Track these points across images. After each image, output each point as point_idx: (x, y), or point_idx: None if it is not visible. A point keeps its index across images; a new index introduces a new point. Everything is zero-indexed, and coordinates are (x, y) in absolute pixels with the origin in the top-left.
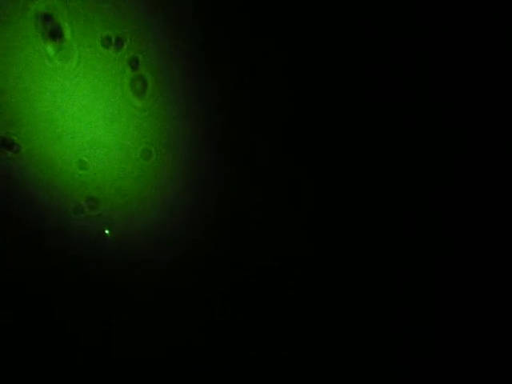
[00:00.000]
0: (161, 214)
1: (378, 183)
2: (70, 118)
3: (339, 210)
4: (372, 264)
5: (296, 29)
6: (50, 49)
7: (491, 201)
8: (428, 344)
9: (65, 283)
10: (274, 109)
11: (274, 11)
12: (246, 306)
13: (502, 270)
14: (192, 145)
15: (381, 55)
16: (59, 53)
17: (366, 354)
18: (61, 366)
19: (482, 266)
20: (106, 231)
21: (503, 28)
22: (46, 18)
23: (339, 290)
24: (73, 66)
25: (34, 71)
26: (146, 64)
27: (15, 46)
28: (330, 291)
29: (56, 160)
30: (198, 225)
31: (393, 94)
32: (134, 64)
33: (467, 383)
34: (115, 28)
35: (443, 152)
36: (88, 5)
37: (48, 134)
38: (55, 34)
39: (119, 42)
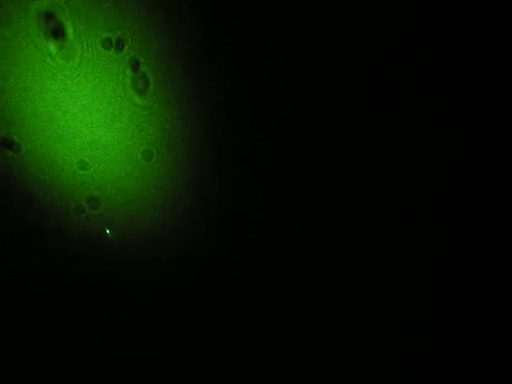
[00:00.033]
0: (162, 213)
1: (378, 183)
2: (72, 117)
3: (339, 210)
4: (372, 264)
5: (296, 29)
6: (52, 47)
7: (491, 201)
8: (428, 344)
9: (65, 283)
10: (274, 109)
11: (274, 11)
12: (246, 306)
13: (501, 269)
14: (192, 145)
15: (381, 55)
16: (61, 51)
17: (366, 354)
18: (61, 365)
19: (482, 266)
20: (107, 231)
21: (503, 28)
22: (48, 16)
23: (339, 290)
24: (74, 66)
25: (35, 70)
26: (147, 64)
27: (16, 46)
28: (330, 291)
29: (57, 160)
30: (198, 225)
31: (393, 93)
32: (134, 65)
33: (467, 383)
34: (116, 28)
35: (443, 152)
36: (89, 4)
37: (49, 134)
38: (57, 33)
39: (120, 43)
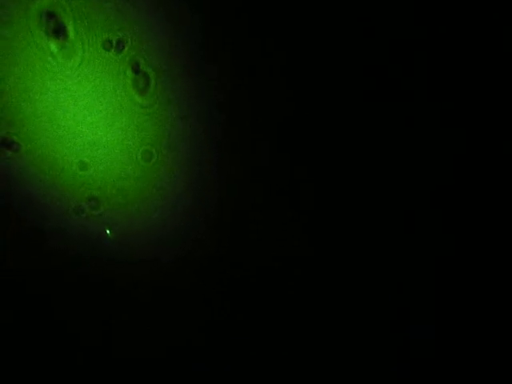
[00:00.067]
0: (162, 213)
1: (378, 183)
2: (72, 118)
3: (339, 210)
4: (372, 264)
5: (296, 29)
6: (53, 46)
7: (491, 201)
8: (428, 344)
9: (65, 283)
10: (274, 109)
11: (274, 11)
12: (246, 306)
13: (501, 269)
14: (193, 145)
15: (381, 55)
16: (62, 51)
17: (366, 354)
18: (61, 365)
19: (482, 265)
20: (107, 231)
21: (503, 28)
22: (50, 15)
23: (339, 290)
24: (75, 65)
25: (35, 70)
26: (148, 64)
27: (17, 46)
28: (330, 291)
29: (57, 160)
30: (198, 225)
31: (393, 94)
32: (135, 66)
33: (467, 383)
34: (116, 29)
35: (443, 152)
36: (90, 4)
37: (49, 134)
38: (58, 32)
39: (120, 44)
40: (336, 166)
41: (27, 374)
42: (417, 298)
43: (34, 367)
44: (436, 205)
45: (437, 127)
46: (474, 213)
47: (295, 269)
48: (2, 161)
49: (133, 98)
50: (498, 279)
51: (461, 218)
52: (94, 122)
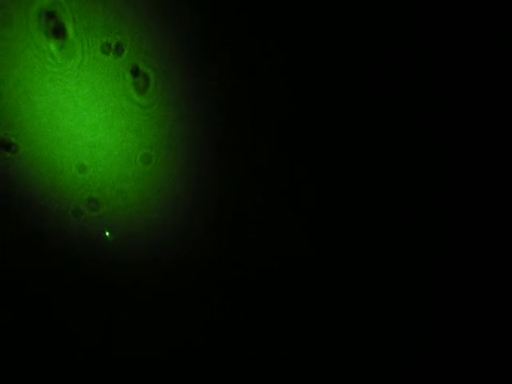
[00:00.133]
0: (161, 215)
1: (378, 183)
2: (71, 119)
3: (339, 210)
4: (372, 264)
5: (296, 29)
6: (52, 46)
7: (491, 201)
8: (428, 344)
9: (65, 283)
10: (274, 109)
11: (274, 11)
12: (246, 306)
13: (501, 269)
14: (192, 145)
15: (381, 55)
16: (62, 51)
17: (366, 354)
18: (61, 365)
19: (482, 265)
20: (107, 233)
21: (503, 28)
22: (49, 15)
23: (339, 290)
24: (75, 65)
25: (35, 72)
26: (147, 66)
27: (16, 47)
28: (330, 291)
29: (56, 162)
30: (198, 225)
31: (393, 94)
32: (134, 69)
33: (467, 383)
34: (116, 32)
35: (443, 152)
36: (89, 6)
37: (48, 136)
38: (58, 32)
39: (119, 47)
40: (336, 165)
41: (27, 373)
42: (417, 298)
43: (34, 367)
44: (436, 205)
45: (437, 127)
46: (473, 213)
47: (295, 269)
48: (0, 162)
49: (132, 99)
50: (498, 279)
51: (461, 218)
52: (94, 123)
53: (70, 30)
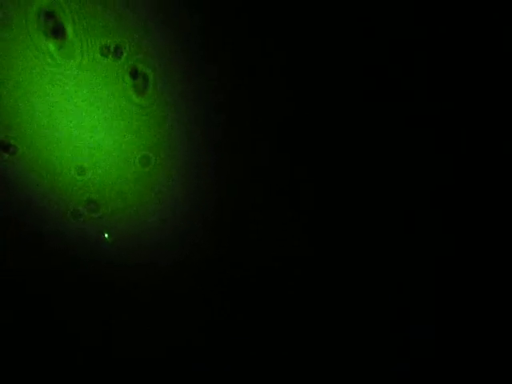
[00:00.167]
0: (161, 216)
1: (378, 183)
2: (71, 121)
3: (339, 210)
4: (372, 264)
5: (296, 29)
6: (52, 47)
7: (491, 201)
8: (428, 344)
9: (65, 284)
10: (274, 109)
11: (274, 11)
12: (246, 306)
13: (501, 269)
14: (191, 146)
15: (381, 55)
16: (61, 51)
17: (366, 354)
18: (61, 365)
19: (482, 266)
20: (106, 235)
21: (503, 28)
22: (48, 15)
23: (339, 290)
24: (74, 66)
25: (34, 73)
26: (146, 66)
27: (16, 48)
28: (330, 291)
29: (55, 164)
30: (198, 226)
31: (393, 93)
32: (133, 71)
33: (467, 383)
34: (115, 34)
35: (443, 152)
36: (89, 8)
37: (47, 138)
38: (57, 32)
39: (118, 50)
40: (336, 165)
41: (27, 373)
42: (417, 298)
43: (34, 367)
44: (436, 205)
45: (437, 127)
46: (473, 213)
47: (295, 269)
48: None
49: (131, 100)
50: (498, 279)
51: (461, 218)
52: (93, 125)
53: (69, 30)
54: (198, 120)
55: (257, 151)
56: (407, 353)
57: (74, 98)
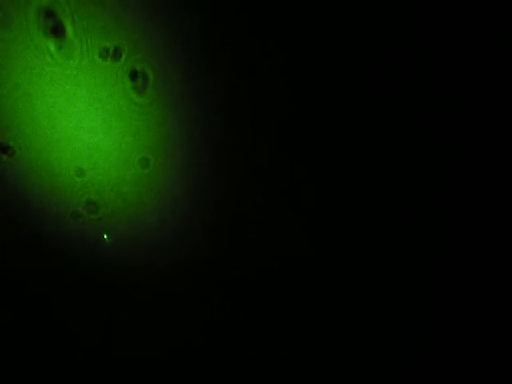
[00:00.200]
0: (160, 216)
1: (378, 183)
2: (70, 122)
3: (339, 210)
4: (372, 264)
5: (296, 29)
6: (51, 46)
7: (491, 201)
8: (428, 344)
9: (65, 284)
10: (274, 109)
11: (274, 11)
12: (246, 306)
13: (502, 269)
14: (191, 147)
15: (381, 55)
16: (61, 50)
17: (366, 354)
18: (61, 365)
19: (482, 266)
20: (105, 236)
21: (503, 28)
22: (48, 14)
23: (339, 290)
24: (74, 66)
25: (34, 73)
26: (145, 67)
27: (15, 49)
28: (330, 291)
29: (54, 165)
30: (198, 227)
31: (393, 93)
32: (133, 73)
33: (467, 383)
34: (114, 33)
35: (443, 152)
36: (88, 11)
37: (47, 139)
38: (57, 31)
39: (117, 52)
40: (336, 166)
41: (27, 373)
42: (417, 298)
43: (34, 367)
44: (436, 205)
45: (437, 127)
46: (474, 213)
47: (295, 269)
48: None
49: (130, 101)
50: (498, 279)
51: (461, 218)
52: (92, 126)
53: (69, 29)
54: (198, 120)
55: (257, 151)
56: (407, 353)
57: (74, 98)
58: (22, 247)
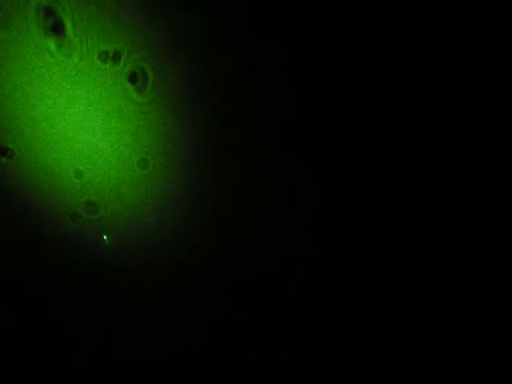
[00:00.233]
0: (160, 217)
1: (378, 183)
2: (69, 123)
3: (339, 210)
4: (372, 264)
5: (296, 29)
6: (51, 45)
7: (491, 201)
8: (428, 344)
9: (65, 284)
10: (274, 109)
11: (274, 11)
12: (246, 306)
13: (502, 269)
14: (190, 147)
15: (381, 55)
16: (61, 49)
17: (366, 354)
18: (61, 365)
19: (482, 266)
20: (104, 237)
21: (503, 28)
22: (48, 12)
23: (339, 290)
24: (73, 66)
25: (34, 74)
26: (145, 67)
27: (15, 50)
28: (330, 291)
29: (54, 166)
30: (197, 227)
31: (393, 93)
32: (132, 74)
33: (467, 383)
34: (114, 34)
35: (443, 152)
36: (88, 13)
37: (46, 140)
38: (57, 29)
39: (117, 55)
40: (336, 165)
41: (27, 373)
42: (417, 298)
43: (34, 367)
44: (436, 205)
45: (437, 127)
46: (474, 213)
47: (295, 269)
48: None
49: (129, 102)
50: (498, 279)
51: (461, 218)
52: (91, 126)
53: (68, 27)
54: (198, 121)
55: (256, 151)
56: (407, 353)
57: (73, 99)
58: (22, 247)
